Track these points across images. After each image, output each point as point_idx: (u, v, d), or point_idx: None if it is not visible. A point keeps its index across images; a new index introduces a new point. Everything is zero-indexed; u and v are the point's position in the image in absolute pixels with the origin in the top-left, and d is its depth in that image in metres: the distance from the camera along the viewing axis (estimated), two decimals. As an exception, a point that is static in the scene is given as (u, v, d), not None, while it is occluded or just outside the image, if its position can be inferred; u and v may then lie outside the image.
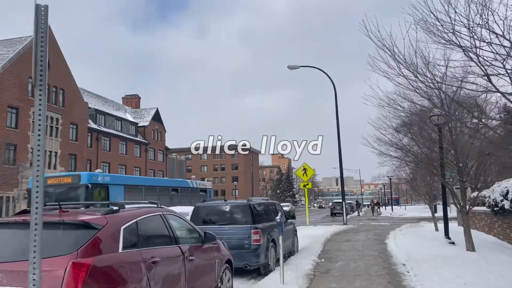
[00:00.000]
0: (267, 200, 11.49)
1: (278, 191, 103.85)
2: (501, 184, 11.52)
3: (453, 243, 11.85)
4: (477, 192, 11.38)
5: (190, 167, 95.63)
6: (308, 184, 22.56)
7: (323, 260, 10.78)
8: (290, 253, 12.10)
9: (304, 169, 22.40)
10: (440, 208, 38.19)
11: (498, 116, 12.39)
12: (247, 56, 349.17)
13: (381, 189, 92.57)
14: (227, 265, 6.80)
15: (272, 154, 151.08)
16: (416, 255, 10.19)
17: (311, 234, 17.06)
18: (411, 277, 8.01)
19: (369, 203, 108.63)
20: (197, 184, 26.15)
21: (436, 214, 37.46)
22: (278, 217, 7.59)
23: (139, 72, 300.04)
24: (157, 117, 62.25)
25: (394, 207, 65.52)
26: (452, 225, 19.69)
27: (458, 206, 10.68)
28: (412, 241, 13.30)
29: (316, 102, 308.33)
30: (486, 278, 7.47)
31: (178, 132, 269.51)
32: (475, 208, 14.71)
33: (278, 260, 9.07)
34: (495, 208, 11.53)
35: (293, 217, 12.54)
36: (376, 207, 49.40)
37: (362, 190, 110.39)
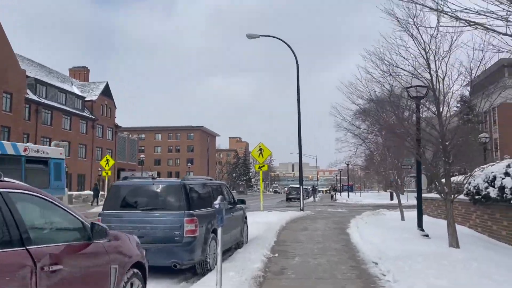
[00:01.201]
0: (211, 180, 9.24)
1: (234, 175, 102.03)
2: (484, 169, 9.93)
3: (427, 235, 10.21)
4: (463, 176, 9.70)
5: (143, 147, 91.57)
6: (264, 166, 20.57)
7: (276, 255, 8.77)
8: (238, 244, 10.03)
9: (260, 149, 20.36)
10: (394, 195, 37.14)
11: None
12: (215, 37, 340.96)
13: (336, 175, 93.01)
14: (135, 270, 4.57)
15: (230, 138, 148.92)
16: (389, 251, 8.40)
17: (265, 221, 15.10)
18: (389, 283, 6.13)
19: (327, 188, 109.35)
20: (21, 150, 16.92)
21: (389, 202, 36.78)
22: (217, 202, 5.43)
23: (100, 48, 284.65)
24: (106, 92, 57.96)
25: (348, 193, 65.46)
26: (414, 213, 18.47)
27: (442, 194, 8.96)
28: (378, 231, 11.61)
29: (281, 87, 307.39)
30: (486, 285, 5.72)
31: (139, 112, 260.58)
32: (430, 195, 13.26)
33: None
34: (476, 197, 9.96)
35: (243, 202, 10.42)
36: (333, 193, 48.64)
37: (318, 176, 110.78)
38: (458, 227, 11.89)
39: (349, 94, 14.39)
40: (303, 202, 20.65)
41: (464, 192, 10.87)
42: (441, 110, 9.01)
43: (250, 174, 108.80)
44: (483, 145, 43.73)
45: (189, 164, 74.15)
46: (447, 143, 8.84)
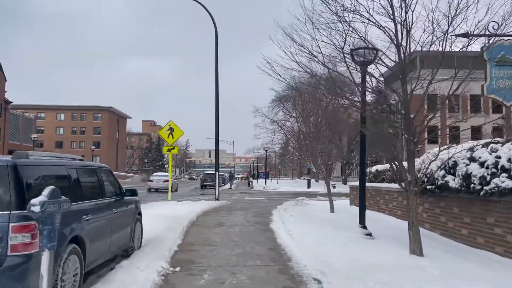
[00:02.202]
0: (79, 160, 6.13)
1: (146, 160, 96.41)
2: (437, 154, 8.12)
3: (370, 234, 8.23)
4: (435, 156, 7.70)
5: (42, 128, 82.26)
6: (174, 148, 17.56)
7: (178, 269, 6.08)
8: (127, 251, 7.15)
9: (170, 128, 17.32)
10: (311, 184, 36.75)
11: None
12: (132, 17, 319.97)
13: (253, 162, 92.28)
14: None
15: (143, 121, 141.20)
16: (333, 259, 6.15)
17: (171, 215, 12.29)
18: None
19: (243, 176, 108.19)
20: None
21: (307, 190, 35.80)
22: (37, 201, 2.61)
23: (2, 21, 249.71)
24: (-8, 61, 49.71)
25: (264, 180, 64.58)
26: (340, 203, 16.91)
27: (402, 183, 6.88)
28: (309, 228, 9.45)
29: (201, 71, 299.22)
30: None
31: (46, 90, 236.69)
32: (386, 184, 11.59)
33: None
34: (429, 187, 8.16)
35: (134, 193, 7.48)
36: (251, 180, 46.95)
37: (234, 163, 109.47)
38: (397, 222, 10.20)
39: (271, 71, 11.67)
40: (218, 190, 18.07)
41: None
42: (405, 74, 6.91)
43: (164, 159, 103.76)
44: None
45: (93, 147, 67.28)
46: (412, 116, 6.79)
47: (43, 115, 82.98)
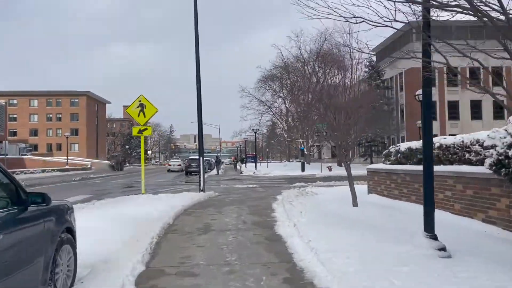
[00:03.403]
0: None
1: (127, 147, 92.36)
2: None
3: (444, 249, 5.17)
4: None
5: (15, 115, 77.55)
6: (146, 129, 14.24)
7: None
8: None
9: (141, 105, 13.97)
10: (298, 167, 33.58)
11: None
12: (116, 1, 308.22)
13: (240, 145, 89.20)
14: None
15: (124, 106, 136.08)
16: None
17: (140, 216, 9.15)
18: None
19: (231, 160, 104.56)
20: None
21: (302, 174, 32.82)
22: None
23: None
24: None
25: (252, 164, 61.51)
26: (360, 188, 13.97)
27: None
28: (339, 237, 6.36)
29: (188, 58, 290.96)
30: None
31: (23, 77, 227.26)
32: (437, 167, 8.56)
33: None
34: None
35: (44, 199, 4.27)
36: (240, 165, 43.85)
37: (221, 147, 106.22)
38: (460, 220, 7.20)
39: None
40: (203, 179, 14.82)
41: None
42: None
43: (148, 146, 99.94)
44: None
45: (67, 133, 62.81)
46: None
47: (15, 101, 78.06)
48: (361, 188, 13.48)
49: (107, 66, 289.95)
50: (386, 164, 11.35)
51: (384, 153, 11.92)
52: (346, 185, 18.58)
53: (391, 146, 11.74)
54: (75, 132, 79.01)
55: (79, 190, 20.82)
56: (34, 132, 78.64)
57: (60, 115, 79.32)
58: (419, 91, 18.34)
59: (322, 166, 32.54)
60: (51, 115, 79.56)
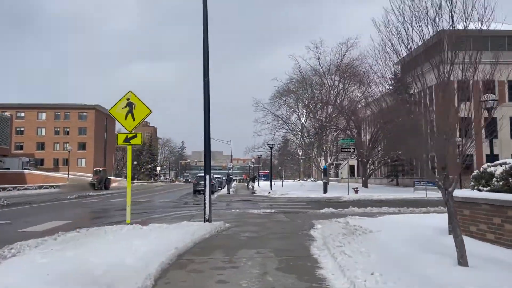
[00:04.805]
0: None
1: (135, 162, 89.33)
2: None
3: None
4: None
5: (22, 128, 75.35)
6: (135, 136, 10.69)
7: None
8: None
9: (130, 104, 10.49)
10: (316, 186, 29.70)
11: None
12: (141, 18, 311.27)
13: (253, 163, 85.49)
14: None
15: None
16: None
17: (99, 272, 5.52)
18: None
19: (242, 177, 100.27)
20: None
21: (324, 196, 28.92)
22: None
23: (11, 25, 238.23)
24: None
25: (265, 183, 57.63)
26: (404, 222, 10.14)
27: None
28: None
29: (200, 76, 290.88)
30: None
31: (38, 91, 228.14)
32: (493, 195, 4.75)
33: None
34: None
35: None
36: (251, 183, 40.15)
37: (232, 164, 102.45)
38: None
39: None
40: (210, 206, 11.02)
41: None
42: None
43: (157, 162, 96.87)
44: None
45: (69, 147, 59.73)
46: None
47: (22, 114, 75.93)
48: (429, 221, 9.66)
49: (123, 82, 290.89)
50: (481, 191, 7.60)
51: (473, 175, 8.15)
52: (391, 213, 14.73)
53: (486, 165, 7.98)
54: (82, 146, 76.37)
55: (64, 212, 17.34)
56: (41, 146, 76.14)
57: (68, 129, 76.82)
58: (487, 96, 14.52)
59: (348, 188, 28.63)
60: (58, 129, 77.08)
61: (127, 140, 10.58)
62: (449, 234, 8.15)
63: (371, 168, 38.19)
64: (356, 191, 29.32)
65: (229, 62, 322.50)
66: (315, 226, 10.63)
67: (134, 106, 10.55)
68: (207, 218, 10.51)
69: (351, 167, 64.05)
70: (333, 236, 8.27)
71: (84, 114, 77.42)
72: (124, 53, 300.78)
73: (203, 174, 33.40)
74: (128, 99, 10.50)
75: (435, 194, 27.03)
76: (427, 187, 29.08)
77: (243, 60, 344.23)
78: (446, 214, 12.82)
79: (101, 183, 46.30)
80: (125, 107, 10.53)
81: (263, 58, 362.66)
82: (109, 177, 51.91)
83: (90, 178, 49.00)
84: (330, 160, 45.59)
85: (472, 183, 8.04)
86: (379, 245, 7.18)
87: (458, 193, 8.01)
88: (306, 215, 14.59)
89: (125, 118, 10.54)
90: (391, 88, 44.25)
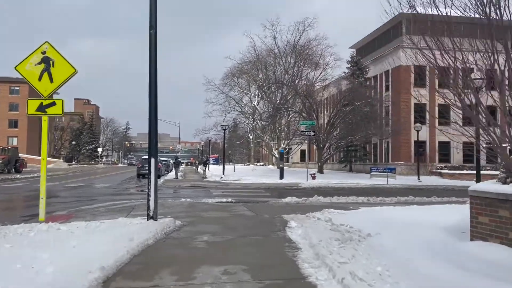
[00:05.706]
0: None
1: (73, 143, 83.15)
2: None
3: None
4: None
5: None
6: (53, 103, 7.93)
7: None
8: None
9: (46, 59, 7.69)
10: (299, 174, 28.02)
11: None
12: None
13: (202, 146, 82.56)
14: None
15: (76, 99, 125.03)
16: None
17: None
18: None
19: (190, 161, 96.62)
20: None
21: (281, 182, 27.07)
22: None
23: None
24: None
25: (214, 167, 54.95)
26: (398, 219, 8.32)
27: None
28: None
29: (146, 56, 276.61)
30: None
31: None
32: None
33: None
34: None
35: None
36: (203, 168, 37.59)
37: (180, 146, 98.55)
38: None
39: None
40: (155, 198, 8.40)
41: None
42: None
43: (98, 143, 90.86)
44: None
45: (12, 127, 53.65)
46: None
47: None
48: (423, 218, 7.83)
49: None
50: (509, 184, 5.79)
51: (504, 164, 6.30)
52: (365, 203, 12.95)
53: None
54: (14, 124, 69.53)
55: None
56: (-35, 123, 68.38)
57: (-4, 104, 69.42)
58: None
59: (307, 174, 27.03)
60: (-15, 104, 69.49)
61: (41, 108, 7.78)
62: (471, 239, 6.33)
63: (328, 153, 36.90)
64: (314, 177, 27.78)
65: (180, 44, 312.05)
66: (289, 223, 8.50)
67: (53, 63, 7.75)
68: (151, 214, 8.01)
69: (302, 152, 63.08)
70: (324, 243, 6.15)
71: (16, 88, 70.26)
72: (64, 28, 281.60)
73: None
74: (44, 52, 7.68)
75: (396, 182, 26.11)
76: (381, 173, 28.20)
77: (196, 44, 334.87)
78: (430, 206, 11.20)
79: (10, 165, 36.30)
80: (40, 63, 7.70)
81: (218, 40, 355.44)
82: (21, 157, 39.76)
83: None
84: (284, 145, 43.97)
85: (503, 174, 6.20)
86: (395, 260, 5.12)
87: (489, 187, 6.15)
88: (271, 207, 12.49)
89: (39, 79, 7.73)
90: (348, 71, 43.20)
